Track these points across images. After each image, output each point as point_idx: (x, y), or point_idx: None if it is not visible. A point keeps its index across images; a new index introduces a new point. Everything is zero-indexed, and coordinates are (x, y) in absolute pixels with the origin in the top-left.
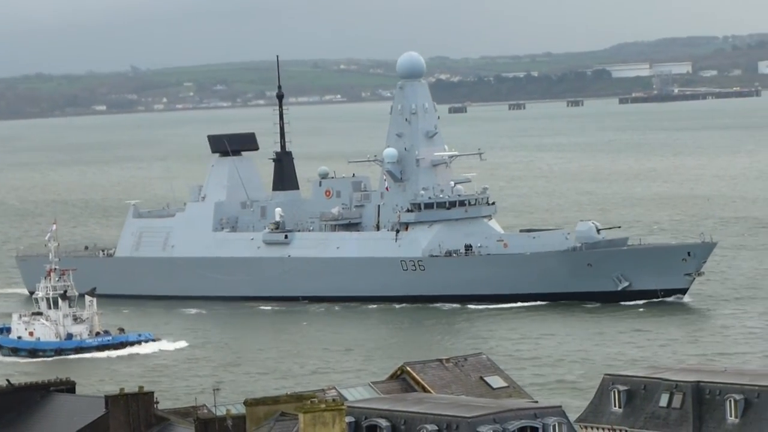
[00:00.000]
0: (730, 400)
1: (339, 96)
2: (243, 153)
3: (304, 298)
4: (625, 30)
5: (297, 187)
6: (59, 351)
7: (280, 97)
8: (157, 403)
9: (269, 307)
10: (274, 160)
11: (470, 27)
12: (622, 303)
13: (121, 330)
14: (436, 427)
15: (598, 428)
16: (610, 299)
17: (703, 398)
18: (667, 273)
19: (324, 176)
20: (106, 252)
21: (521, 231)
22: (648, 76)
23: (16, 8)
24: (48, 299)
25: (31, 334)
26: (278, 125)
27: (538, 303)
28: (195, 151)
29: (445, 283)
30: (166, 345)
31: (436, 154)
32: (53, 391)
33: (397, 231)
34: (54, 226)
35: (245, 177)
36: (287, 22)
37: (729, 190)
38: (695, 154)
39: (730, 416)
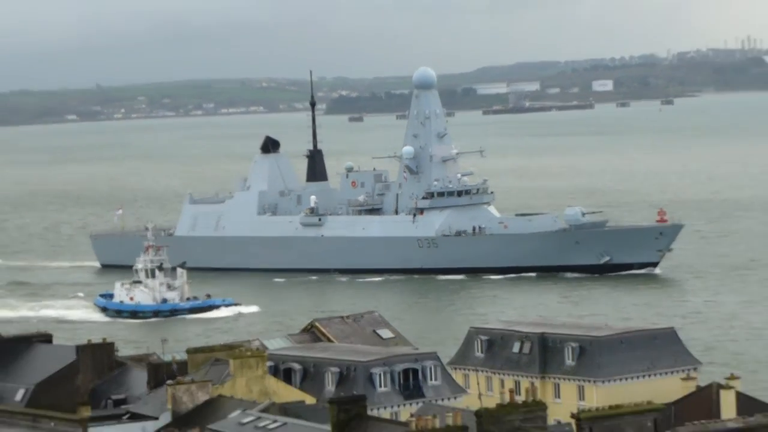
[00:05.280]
0: (568, 347)
1: (261, 108)
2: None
3: (336, 270)
4: (488, 56)
5: (326, 179)
6: (156, 313)
7: (312, 104)
8: (117, 351)
9: (314, 277)
10: (307, 156)
11: (365, 51)
12: (605, 274)
13: (208, 296)
14: (338, 370)
15: (464, 369)
16: (594, 271)
17: (547, 346)
18: (642, 249)
19: (350, 170)
20: (166, 232)
21: (517, 215)
22: (505, 92)
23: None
24: (146, 270)
25: (131, 299)
26: (311, 128)
27: (533, 274)
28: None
29: (456, 258)
30: (244, 308)
31: (446, 151)
32: (35, 342)
33: (414, 215)
34: (120, 211)
35: (283, 170)
36: (219, 48)
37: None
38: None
39: (568, 360)
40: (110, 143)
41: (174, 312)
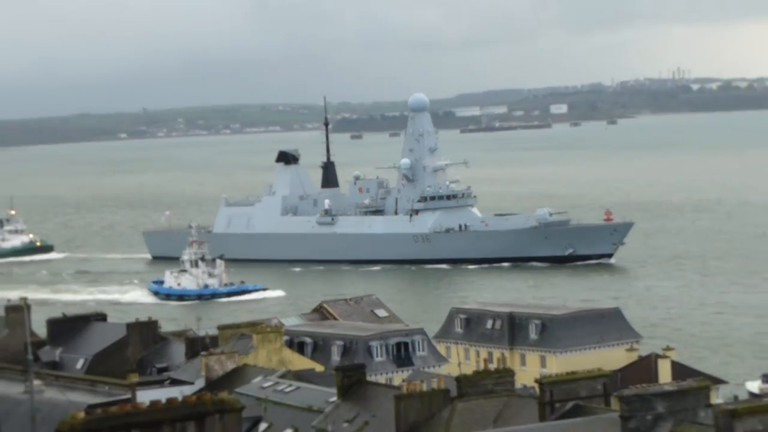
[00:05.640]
0: (532, 324)
1: (278, 128)
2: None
3: (345, 261)
4: (464, 85)
5: (338, 185)
6: (199, 296)
7: (326, 124)
8: (160, 328)
9: (322, 267)
10: (322, 167)
11: (364, 81)
12: (568, 264)
13: (242, 282)
14: (343, 343)
15: (447, 342)
16: (559, 261)
17: (514, 323)
18: (600, 243)
19: (357, 178)
20: (206, 229)
21: (495, 215)
22: (479, 115)
23: (64, 67)
24: (191, 261)
25: (179, 284)
26: (324, 144)
27: (510, 264)
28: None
29: (445, 251)
30: (271, 293)
31: (437, 162)
32: (93, 320)
33: (411, 215)
34: (168, 212)
35: (302, 179)
36: (244, 78)
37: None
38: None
39: (532, 334)
40: (155, 157)
41: (214, 295)
